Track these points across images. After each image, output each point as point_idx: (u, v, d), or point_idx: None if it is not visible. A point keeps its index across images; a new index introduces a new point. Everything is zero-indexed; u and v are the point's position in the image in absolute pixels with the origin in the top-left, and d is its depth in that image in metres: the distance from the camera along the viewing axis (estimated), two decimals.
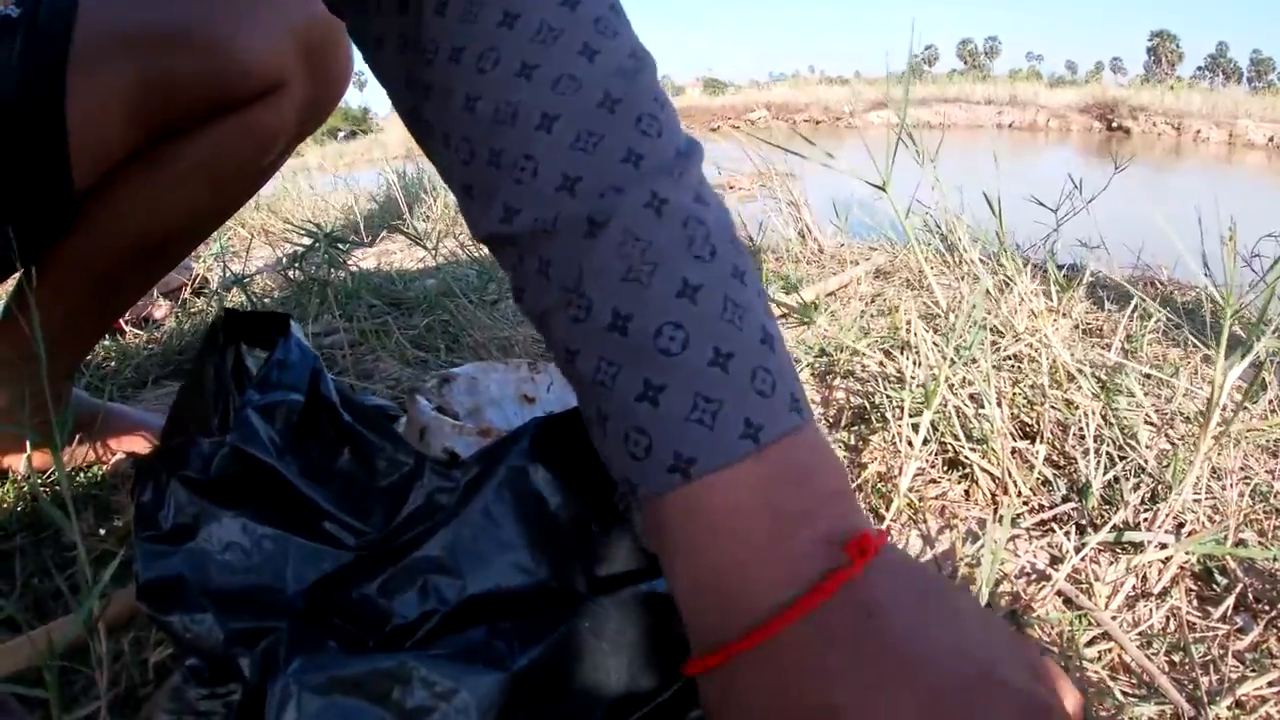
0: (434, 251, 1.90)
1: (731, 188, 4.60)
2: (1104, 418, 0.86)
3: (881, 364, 0.90)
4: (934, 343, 0.80)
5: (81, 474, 0.84)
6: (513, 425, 0.50)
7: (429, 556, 0.32)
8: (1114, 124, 11.69)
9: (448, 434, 0.38)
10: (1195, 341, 1.28)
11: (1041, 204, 1.63)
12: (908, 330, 0.94)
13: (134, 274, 0.82)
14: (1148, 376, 1.09)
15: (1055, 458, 0.83)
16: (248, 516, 0.33)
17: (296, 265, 1.43)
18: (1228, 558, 0.70)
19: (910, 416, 0.76)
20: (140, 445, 0.91)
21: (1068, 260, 1.87)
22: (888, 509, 0.73)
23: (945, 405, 0.78)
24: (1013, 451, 0.78)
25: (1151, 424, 0.95)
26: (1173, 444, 0.92)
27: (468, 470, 0.34)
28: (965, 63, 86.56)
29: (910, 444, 0.74)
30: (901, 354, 0.94)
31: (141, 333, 1.39)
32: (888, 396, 0.81)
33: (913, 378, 0.77)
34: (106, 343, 1.28)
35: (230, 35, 0.70)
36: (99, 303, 0.81)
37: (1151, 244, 2.02)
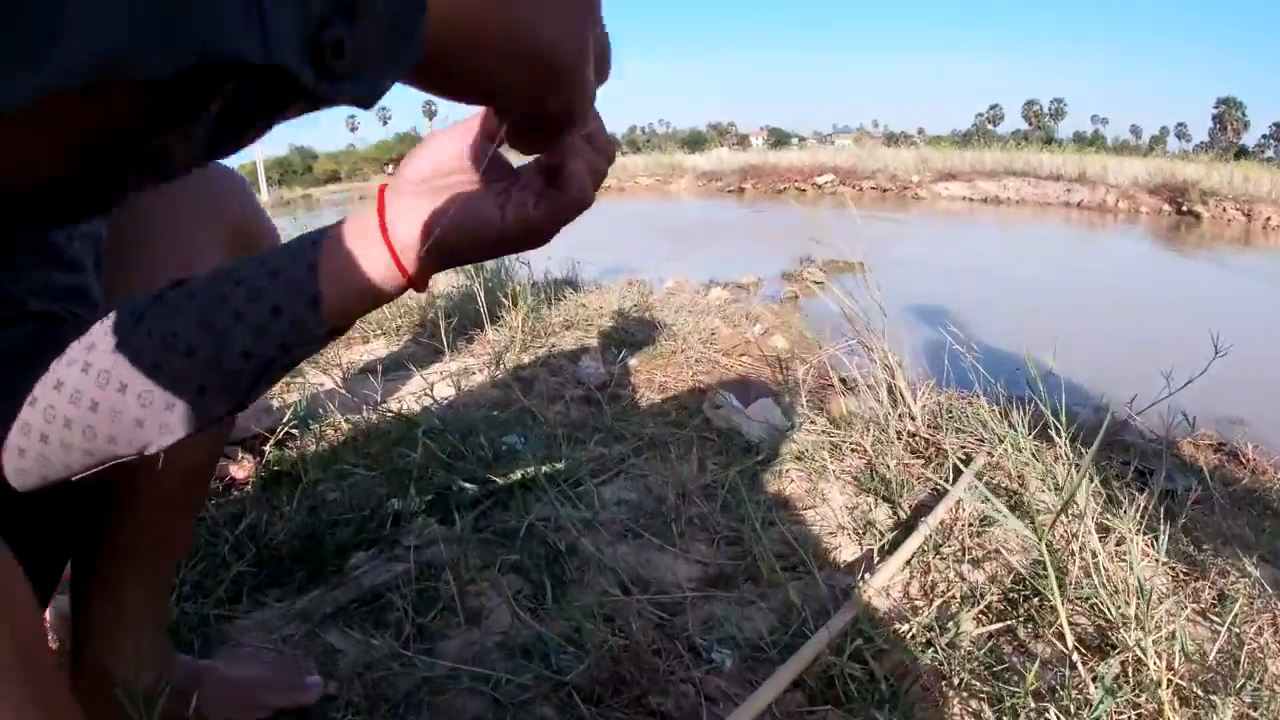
0: (513, 380, 1.88)
1: (802, 280, 4.56)
2: None
3: None
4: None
5: None
6: None
7: None
8: (1184, 208, 11.44)
9: None
10: None
11: (1147, 433, 1.59)
12: None
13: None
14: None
15: None
16: None
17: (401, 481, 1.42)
18: None
19: None
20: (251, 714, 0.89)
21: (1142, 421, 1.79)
22: None
23: None
24: None
25: None
26: None
27: None
28: (1030, 123, 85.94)
29: None
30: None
31: (224, 505, 1.36)
32: None
33: None
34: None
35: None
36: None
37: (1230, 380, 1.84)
